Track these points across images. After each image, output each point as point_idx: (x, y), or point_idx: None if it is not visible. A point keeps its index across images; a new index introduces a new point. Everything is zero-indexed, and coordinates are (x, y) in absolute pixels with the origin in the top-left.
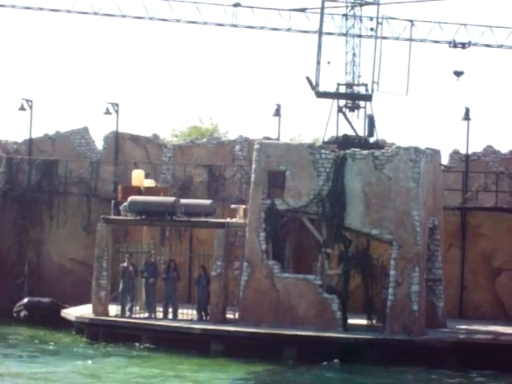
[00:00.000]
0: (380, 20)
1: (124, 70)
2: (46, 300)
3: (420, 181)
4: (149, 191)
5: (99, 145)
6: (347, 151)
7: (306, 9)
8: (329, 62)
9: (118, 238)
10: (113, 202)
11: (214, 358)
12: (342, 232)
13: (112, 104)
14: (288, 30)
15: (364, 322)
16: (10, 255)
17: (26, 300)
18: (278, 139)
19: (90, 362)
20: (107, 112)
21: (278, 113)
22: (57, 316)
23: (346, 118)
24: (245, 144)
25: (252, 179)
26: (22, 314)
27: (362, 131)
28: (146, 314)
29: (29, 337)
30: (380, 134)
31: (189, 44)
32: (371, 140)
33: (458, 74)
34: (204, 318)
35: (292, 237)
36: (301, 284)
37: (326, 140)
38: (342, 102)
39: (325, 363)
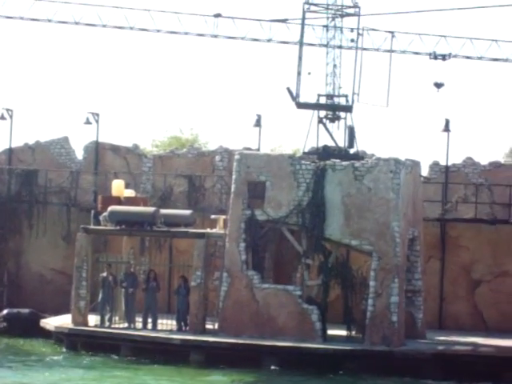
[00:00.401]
0: (361, 31)
1: (104, 79)
2: (25, 311)
3: (400, 192)
4: (129, 201)
5: (79, 154)
6: (327, 162)
7: (287, 19)
8: (309, 73)
9: (98, 247)
10: (93, 211)
11: (194, 369)
12: (322, 243)
13: (92, 114)
14: (269, 40)
15: (343, 332)
16: None
17: (5, 312)
18: (258, 150)
19: (69, 372)
20: (87, 122)
21: (258, 123)
22: (37, 326)
23: (327, 129)
24: (225, 154)
25: (232, 189)
26: (2, 325)
27: (342, 142)
28: (126, 325)
29: (8, 347)
30: (360, 145)
31: (169, 54)
32: (351, 151)
33: (439, 85)
34: (184, 328)
35: (272, 247)
36: (280, 294)
37: (306, 151)
38: (323, 113)
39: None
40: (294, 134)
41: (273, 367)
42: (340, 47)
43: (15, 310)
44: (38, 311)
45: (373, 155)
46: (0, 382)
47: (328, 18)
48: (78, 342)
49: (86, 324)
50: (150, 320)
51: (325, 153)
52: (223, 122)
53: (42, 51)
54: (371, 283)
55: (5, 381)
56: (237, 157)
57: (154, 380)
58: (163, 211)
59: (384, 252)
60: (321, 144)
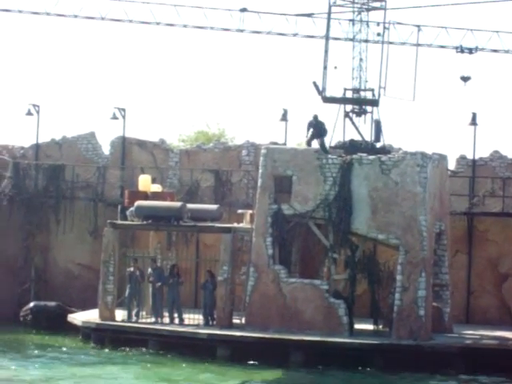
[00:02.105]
0: (387, 25)
1: (131, 74)
2: (52, 304)
3: (427, 186)
4: (155, 196)
5: (106, 150)
6: (354, 156)
7: (313, 14)
8: (335, 67)
9: (125, 242)
10: (119, 206)
11: (221, 363)
12: (349, 237)
13: (119, 109)
14: (295, 35)
15: (370, 327)
16: (17, 260)
17: (32, 304)
18: (284, 144)
19: (97, 367)
20: (114, 117)
21: (284, 118)
22: (63, 320)
23: (353, 123)
24: (251, 149)
25: (259, 184)
26: (29, 318)
27: (368, 136)
28: (153, 319)
29: (35, 341)
30: (387, 139)
31: (195, 49)
32: (378, 145)
33: (465, 79)
34: (210, 322)
35: (298, 242)
36: (307, 289)
37: (332, 145)
38: (349, 107)
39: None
40: None
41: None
42: (366, 41)
43: (42, 303)
44: (65, 305)
45: (399, 149)
46: (28, 376)
47: (354, 11)
48: (106, 337)
49: (113, 319)
50: (176, 315)
51: (351, 147)
52: (250, 117)
53: (69, 47)
54: (398, 277)
55: (33, 375)
56: (263, 151)
57: (180, 375)
58: (190, 206)
59: (411, 246)
60: (347, 138)
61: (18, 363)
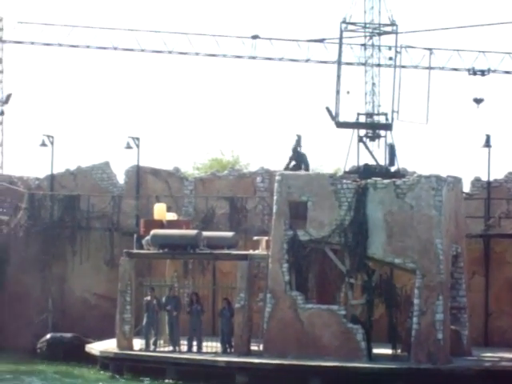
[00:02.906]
0: (399, 49)
1: (144, 104)
2: (68, 335)
3: (442, 209)
4: (171, 224)
5: (121, 179)
6: (368, 181)
7: (325, 39)
8: (348, 92)
9: (141, 271)
10: (135, 235)
11: None
12: (365, 262)
13: (133, 138)
14: (307, 60)
15: (389, 351)
16: (34, 291)
17: (48, 336)
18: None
19: None
20: (128, 146)
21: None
22: (80, 351)
23: (367, 148)
24: (266, 175)
25: (274, 210)
26: (45, 349)
27: (382, 160)
28: (171, 348)
29: (53, 372)
30: (401, 163)
31: (208, 77)
32: (392, 169)
33: (478, 101)
34: (228, 350)
35: (315, 267)
36: (325, 314)
37: (347, 170)
38: (363, 132)
39: None
40: (335, 154)
41: None
42: (378, 65)
43: (58, 335)
44: (81, 335)
45: (414, 173)
46: None
47: (365, 36)
48: (124, 367)
49: (131, 348)
50: (194, 343)
51: (366, 171)
52: (263, 143)
53: (82, 77)
54: (415, 301)
55: None
56: (278, 177)
57: None
58: (206, 233)
59: (428, 269)
60: (361, 163)
61: None
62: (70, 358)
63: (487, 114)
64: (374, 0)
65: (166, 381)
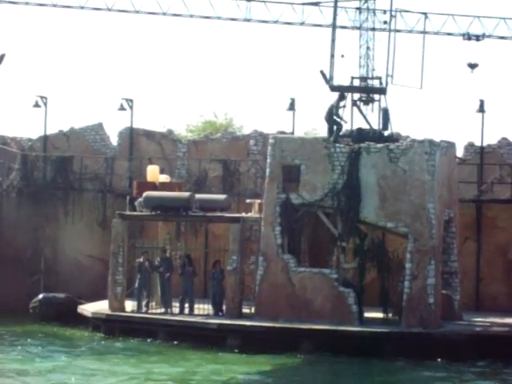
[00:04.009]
0: (393, 13)
1: (138, 65)
2: (61, 295)
3: (435, 173)
4: (164, 186)
5: (114, 141)
6: (362, 145)
7: (320, 3)
8: (342, 56)
9: (134, 233)
10: (128, 197)
11: (231, 353)
12: (358, 225)
13: (126, 100)
14: (301, 23)
15: (380, 315)
16: (26, 252)
17: (41, 296)
18: (292, 133)
19: (107, 358)
20: (121, 108)
21: (292, 107)
22: (72, 311)
23: (361, 112)
24: (259, 139)
25: (267, 174)
26: (38, 310)
27: (376, 124)
28: (163, 310)
29: (45, 333)
30: (395, 128)
31: (202, 39)
32: (386, 133)
33: (473, 66)
34: (220, 313)
35: (307, 231)
36: (316, 278)
37: (340, 134)
38: (357, 96)
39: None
40: None
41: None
42: (373, 29)
43: (51, 295)
44: (74, 297)
45: (407, 137)
46: (40, 367)
47: (360, 0)
48: (116, 328)
49: (122, 310)
50: (186, 305)
51: (359, 135)
52: (257, 106)
53: (76, 38)
54: (407, 265)
55: (45, 366)
56: (271, 141)
57: (189, 366)
58: (198, 196)
59: (420, 234)
60: (355, 127)
61: (25, 354)
62: (62, 319)
63: (481, 80)
64: None
65: (158, 342)
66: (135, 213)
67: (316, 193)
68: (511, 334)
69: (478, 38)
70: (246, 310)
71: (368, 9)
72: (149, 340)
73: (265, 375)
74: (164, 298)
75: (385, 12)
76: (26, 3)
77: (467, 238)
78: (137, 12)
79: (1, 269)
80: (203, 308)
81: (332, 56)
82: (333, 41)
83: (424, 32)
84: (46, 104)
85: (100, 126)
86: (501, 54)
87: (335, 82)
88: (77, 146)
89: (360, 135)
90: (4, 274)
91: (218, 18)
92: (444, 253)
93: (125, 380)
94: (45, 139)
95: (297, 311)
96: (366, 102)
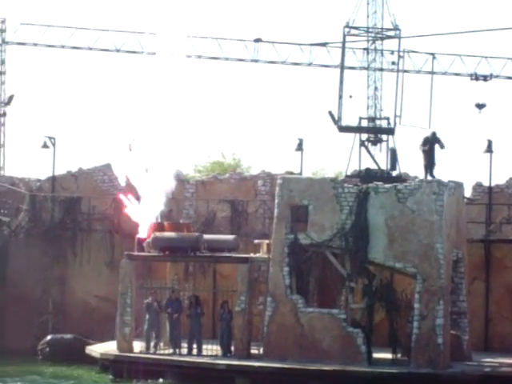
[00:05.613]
0: (401, 53)
1: (146, 106)
2: (68, 336)
3: (443, 214)
4: (172, 227)
5: (122, 181)
6: (370, 185)
7: (327, 43)
8: (351, 96)
9: (142, 273)
10: (136, 238)
11: None
12: (366, 266)
13: (134, 141)
14: (309, 64)
15: (389, 355)
16: (34, 293)
17: (48, 337)
18: (300, 174)
19: None
20: (129, 148)
21: (300, 147)
22: (80, 352)
23: (369, 152)
24: (267, 179)
25: (275, 214)
26: (45, 351)
27: (384, 165)
28: (171, 350)
29: (53, 374)
30: (403, 168)
31: (210, 80)
32: (394, 173)
33: (480, 106)
34: (228, 353)
35: (316, 271)
36: (325, 318)
37: (348, 174)
38: (365, 136)
39: None
40: (336, 158)
41: None
42: (381, 70)
43: (59, 336)
44: (82, 337)
45: (415, 177)
46: None
47: (368, 40)
48: (124, 369)
49: (131, 350)
50: (194, 346)
51: (367, 176)
52: (265, 147)
53: (84, 79)
54: (416, 306)
55: None
56: (279, 181)
57: None
58: (206, 236)
59: (428, 274)
60: (363, 167)
61: None
62: (70, 360)
63: (489, 120)
64: (377, 4)
65: (166, 383)
66: (143, 253)
67: (324, 233)
68: None
69: (485, 78)
70: (254, 351)
71: (376, 49)
72: (157, 381)
73: None
74: (172, 339)
75: (392, 52)
76: (35, 44)
77: (476, 278)
78: (143, 53)
79: (9, 309)
80: (211, 349)
81: (340, 97)
82: (341, 81)
83: (432, 72)
84: (54, 145)
85: (108, 166)
86: (508, 94)
87: (343, 123)
88: (85, 186)
89: (368, 175)
90: (12, 315)
91: (226, 58)
92: (453, 293)
93: None
94: (53, 180)
95: (305, 352)
96: (374, 143)
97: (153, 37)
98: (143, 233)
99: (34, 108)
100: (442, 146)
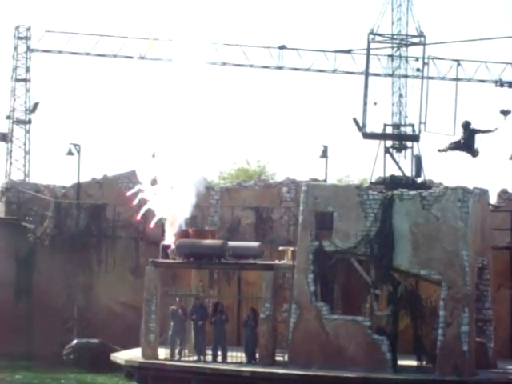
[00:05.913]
0: (426, 60)
1: (171, 112)
2: (95, 341)
3: (468, 220)
4: (197, 234)
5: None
6: (395, 192)
7: (352, 50)
8: (375, 103)
9: (167, 280)
10: (161, 245)
11: None
12: (391, 273)
13: (159, 148)
14: (334, 71)
15: (414, 363)
16: (60, 299)
17: (74, 342)
18: (325, 181)
19: None
20: (154, 155)
21: (325, 154)
22: (106, 357)
23: (393, 159)
24: (292, 186)
25: (300, 221)
26: (71, 356)
27: (409, 172)
28: (196, 357)
29: (79, 381)
30: (427, 175)
31: (235, 87)
32: (419, 180)
33: (505, 113)
34: (253, 360)
35: (340, 278)
36: (350, 325)
37: (373, 181)
38: (389, 143)
39: None
40: (361, 165)
41: None
42: (406, 76)
43: (84, 340)
44: (107, 342)
45: (440, 184)
46: None
47: (393, 47)
48: (149, 376)
49: (156, 357)
50: (219, 352)
51: (392, 183)
52: (290, 154)
53: (108, 86)
54: (441, 313)
55: None
56: (304, 188)
57: None
58: (231, 243)
59: (453, 281)
60: (388, 174)
61: None
62: (95, 365)
63: None
64: (401, 11)
65: None
66: (168, 260)
67: (349, 240)
68: None
69: (510, 84)
70: (279, 358)
71: (400, 56)
72: None
73: None
74: (197, 346)
75: (417, 59)
76: (60, 52)
77: (501, 285)
78: (169, 60)
79: (34, 316)
80: (236, 356)
81: (365, 103)
82: (365, 88)
83: (457, 79)
84: (79, 152)
85: (133, 173)
86: None
87: (368, 130)
88: (110, 193)
89: (393, 182)
90: (38, 321)
91: (251, 65)
92: (478, 300)
93: None
94: (78, 187)
95: (330, 359)
96: (399, 150)
97: (175, 44)
98: (168, 239)
99: (58, 115)
100: (474, 154)
